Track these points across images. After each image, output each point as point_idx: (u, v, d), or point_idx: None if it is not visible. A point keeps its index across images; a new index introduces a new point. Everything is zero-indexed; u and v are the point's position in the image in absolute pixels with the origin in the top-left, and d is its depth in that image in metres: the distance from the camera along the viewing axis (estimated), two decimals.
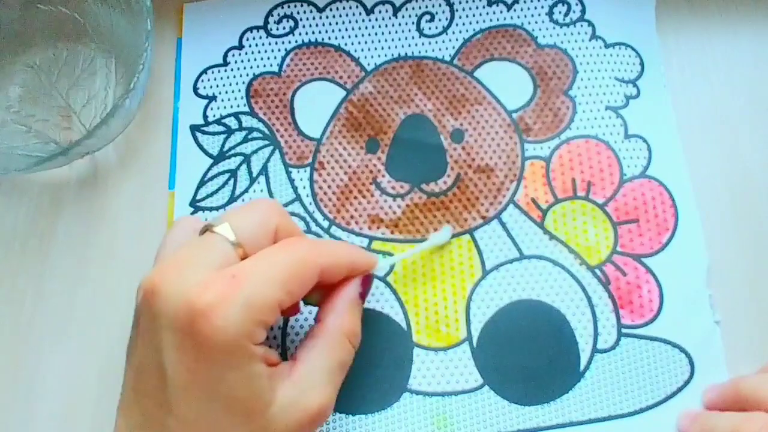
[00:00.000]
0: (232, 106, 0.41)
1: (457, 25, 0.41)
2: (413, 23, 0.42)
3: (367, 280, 0.32)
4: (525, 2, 0.41)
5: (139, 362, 0.28)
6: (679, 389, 0.34)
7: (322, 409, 0.29)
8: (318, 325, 0.31)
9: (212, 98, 0.41)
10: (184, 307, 0.26)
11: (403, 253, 0.36)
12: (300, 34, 0.42)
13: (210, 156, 0.40)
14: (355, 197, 0.38)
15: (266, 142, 0.40)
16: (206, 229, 0.29)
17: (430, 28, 0.41)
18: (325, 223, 0.38)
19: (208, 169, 0.40)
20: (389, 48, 0.41)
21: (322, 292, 0.31)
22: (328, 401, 0.29)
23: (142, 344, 0.28)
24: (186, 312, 0.26)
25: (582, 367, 0.35)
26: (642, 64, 0.40)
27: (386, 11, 0.42)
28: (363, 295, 0.32)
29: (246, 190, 0.39)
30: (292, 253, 0.29)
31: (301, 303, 0.33)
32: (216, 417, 0.27)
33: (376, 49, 0.41)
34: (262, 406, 0.27)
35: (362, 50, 0.41)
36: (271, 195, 0.39)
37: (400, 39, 0.41)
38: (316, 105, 0.40)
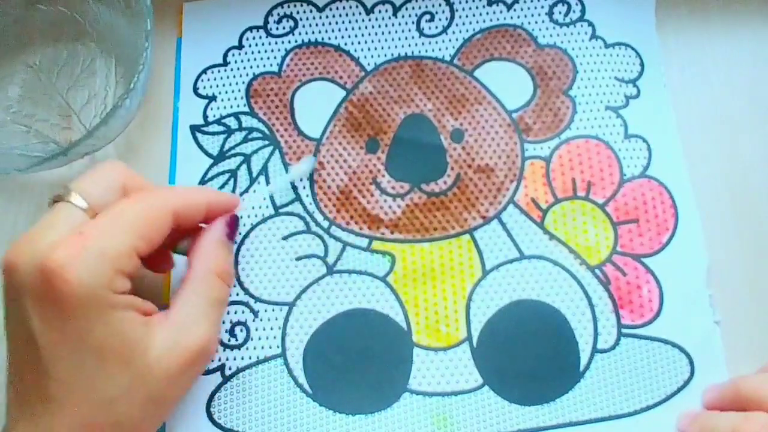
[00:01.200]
0: (232, 106, 0.41)
1: (457, 25, 0.41)
2: (413, 23, 0.42)
3: (232, 221, 0.33)
4: (525, 2, 0.41)
5: (13, 337, 0.29)
6: (679, 389, 0.34)
7: (203, 345, 0.30)
8: (188, 270, 0.32)
9: (212, 98, 0.41)
10: (37, 270, 0.26)
11: (271, 185, 0.38)
12: (300, 33, 0.42)
13: (210, 156, 0.40)
14: (355, 197, 0.38)
15: (266, 142, 0.40)
16: (55, 200, 0.30)
17: (430, 28, 0.41)
18: (325, 223, 0.38)
19: (208, 169, 0.40)
20: (389, 48, 0.41)
21: (190, 240, 0.33)
22: (208, 337, 0.30)
23: (11, 319, 0.28)
24: (40, 274, 0.26)
25: (582, 367, 0.35)
26: (642, 64, 0.40)
27: (386, 11, 0.42)
28: (230, 236, 0.33)
29: (246, 190, 0.39)
30: (139, 202, 0.30)
31: (174, 255, 0.34)
32: (93, 371, 0.27)
33: (376, 49, 0.41)
34: (140, 352, 0.28)
35: (362, 50, 0.41)
36: (271, 195, 0.39)
37: (400, 39, 0.41)
38: (316, 105, 0.40)
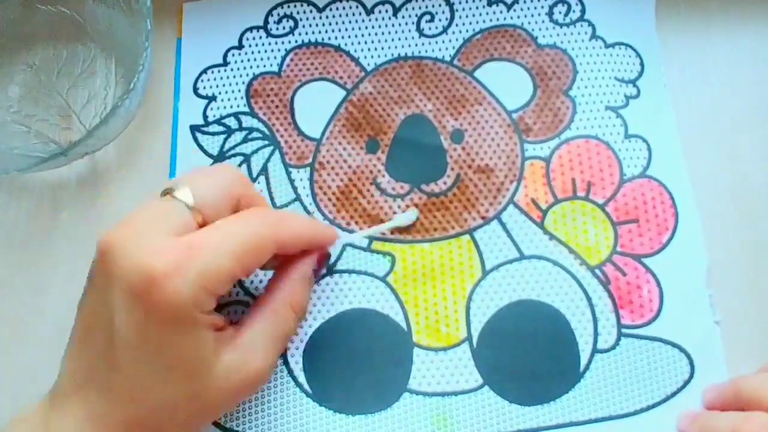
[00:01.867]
0: (232, 106, 0.41)
1: (457, 25, 0.41)
2: (413, 23, 0.42)
3: (322, 258, 0.33)
4: (525, 2, 0.41)
5: (90, 318, 0.29)
6: (679, 389, 0.34)
7: (260, 375, 0.30)
8: (266, 295, 0.32)
9: (212, 98, 0.41)
10: (138, 271, 0.26)
11: (365, 230, 0.37)
12: (300, 34, 0.42)
13: (210, 156, 0.40)
14: (355, 197, 0.38)
15: (266, 142, 0.40)
16: (167, 191, 0.29)
17: (430, 28, 0.41)
18: (325, 224, 0.38)
19: None
20: (389, 48, 0.41)
21: (279, 259, 0.32)
22: (268, 367, 0.31)
23: (95, 301, 0.28)
24: (140, 277, 0.26)
25: (582, 367, 0.35)
26: (642, 64, 0.40)
27: (386, 11, 0.42)
28: (317, 272, 0.33)
29: None
30: (249, 226, 0.29)
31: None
32: (158, 376, 0.28)
33: (376, 49, 0.41)
34: (205, 369, 0.28)
35: (362, 50, 0.41)
36: (271, 195, 0.39)
37: (400, 39, 0.41)
38: (316, 105, 0.40)
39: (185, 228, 0.28)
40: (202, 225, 0.29)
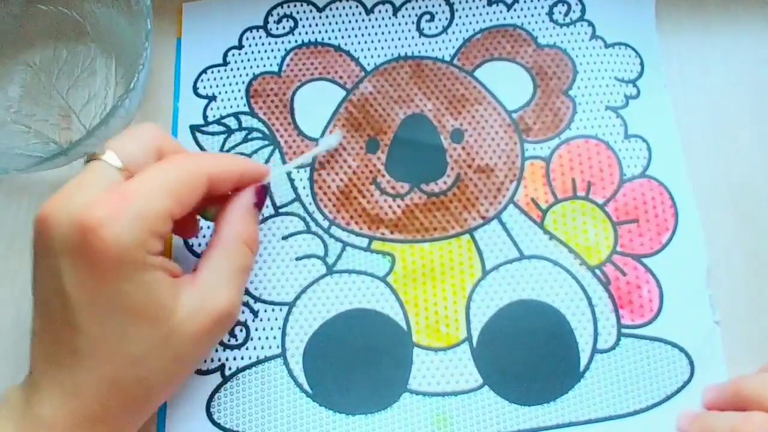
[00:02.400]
0: (231, 106, 0.41)
1: (456, 25, 0.41)
2: (413, 23, 0.42)
3: (261, 190, 0.34)
4: (525, 2, 0.41)
5: (42, 290, 0.29)
6: (679, 389, 0.34)
7: (227, 310, 0.30)
8: (215, 235, 0.32)
9: (212, 98, 0.41)
10: (74, 227, 0.27)
11: (296, 160, 0.38)
12: (300, 33, 0.42)
13: None
14: (355, 197, 0.38)
15: (266, 142, 0.40)
16: (91, 158, 0.30)
17: (430, 28, 0.41)
18: (325, 223, 0.38)
19: None
20: (389, 48, 0.41)
21: (218, 207, 0.33)
22: (232, 303, 0.31)
23: (42, 273, 0.29)
24: (77, 231, 0.27)
25: (582, 367, 0.35)
26: (642, 64, 0.40)
27: (386, 11, 0.42)
28: (258, 205, 0.33)
29: None
30: (176, 165, 0.30)
31: (201, 221, 0.35)
32: (123, 329, 0.28)
33: (376, 49, 0.41)
34: (167, 313, 0.28)
35: (362, 50, 0.41)
36: (270, 195, 0.39)
37: (400, 39, 0.41)
38: (316, 105, 0.40)
39: (114, 184, 0.29)
40: (130, 178, 0.29)
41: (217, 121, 0.41)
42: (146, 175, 0.29)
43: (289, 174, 0.39)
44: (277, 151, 0.40)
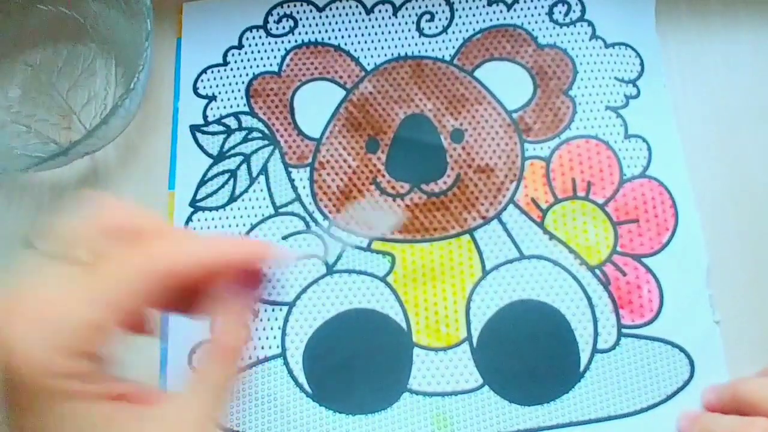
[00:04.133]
0: (231, 106, 0.41)
1: (456, 24, 0.41)
2: (413, 23, 0.42)
3: (255, 279, 0.27)
4: (525, 2, 0.41)
5: None
6: (679, 389, 0.34)
7: None
8: (196, 374, 0.25)
9: (212, 98, 0.41)
10: None
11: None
12: (300, 33, 0.42)
13: (210, 156, 0.40)
14: (355, 197, 0.38)
15: (266, 142, 0.40)
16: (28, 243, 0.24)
17: (430, 28, 0.41)
18: (325, 223, 0.38)
19: (208, 169, 0.40)
20: (389, 48, 0.41)
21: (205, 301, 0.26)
22: None
23: None
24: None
25: (582, 367, 0.35)
26: (642, 64, 0.40)
27: (386, 11, 0.42)
28: (255, 293, 0.27)
29: (246, 190, 0.39)
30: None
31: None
32: None
33: (376, 48, 0.41)
34: None
35: (362, 50, 0.41)
36: (271, 195, 0.39)
37: (400, 39, 0.41)
38: (316, 105, 0.40)
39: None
40: None
41: (217, 121, 0.41)
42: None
43: (289, 174, 0.39)
44: (277, 150, 0.40)
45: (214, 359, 0.25)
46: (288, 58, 0.41)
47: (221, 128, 0.40)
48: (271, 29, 0.42)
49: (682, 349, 0.35)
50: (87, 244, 0.23)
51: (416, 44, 0.41)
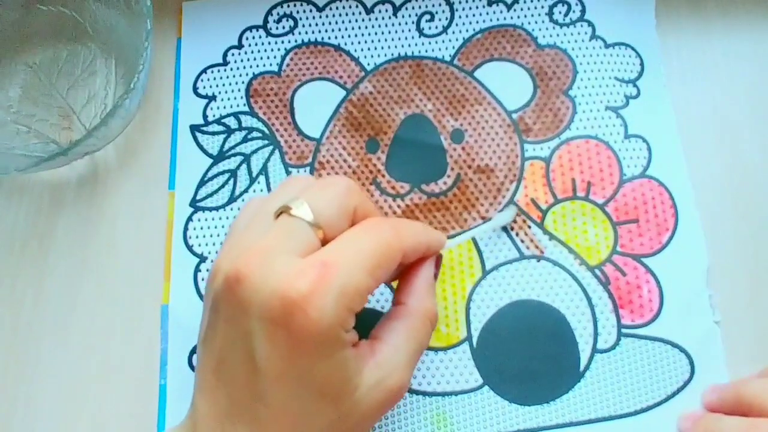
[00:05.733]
0: (231, 106, 0.41)
1: (457, 25, 0.41)
2: (413, 23, 0.42)
3: (438, 261, 0.32)
4: (525, 2, 0.41)
5: (222, 348, 0.27)
6: (679, 389, 0.34)
7: (401, 390, 0.29)
8: (400, 307, 0.30)
9: (212, 98, 0.41)
10: (276, 297, 0.25)
11: (466, 232, 0.35)
12: (300, 33, 0.42)
13: (210, 156, 0.40)
14: None
15: (266, 142, 0.40)
16: (282, 210, 0.28)
17: (430, 28, 0.41)
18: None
19: (208, 169, 0.40)
20: (389, 48, 0.41)
21: (399, 270, 0.31)
22: (406, 382, 0.29)
23: (226, 331, 0.27)
24: (279, 303, 0.25)
25: (582, 367, 0.35)
26: (642, 64, 0.40)
27: (386, 11, 0.42)
28: (435, 276, 0.32)
29: (246, 190, 0.39)
30: (377, 237, 0.28)
31: None
32: (306, 404, 0.27)
33: (376, 48, 0.41)
34: (351, 390, 0.27)
35: (362, 50, 0.41)
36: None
37: (400, 39, 0.41)
38: (316, 105, 0.40)
39: (310, 246, 0.27)
40: (324, 240, 0.28)
41: (217, 121, 0.41)
42: (346, 245, 0.27)
43: (289, 174, 0.39)
44: (277, 150, 0.40)
45: (421, 290, 0.31)
46: (288, 57, 0.41)
47: (221, 128, 0.40)
48: (271, 29, 0.42)
49: (682, 349, 0.35)
50: (338, 217, 0.28)
51: (416, 44, 0.41)
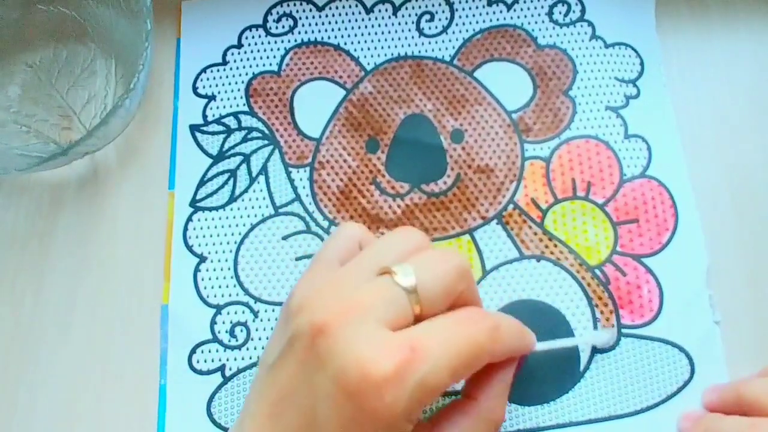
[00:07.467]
0: (231, 106, 0.41)
1: (456, 25, 0.41)
2: (413, 23, 0.42)
3: (521, 362, 0.31)
4: (525, 2, 0.41)
5: (287, 386, 0.26)
6: (679, 389, 0.34)
7: None
8: (470, 402, 0.29)
9: (211, 98, 0.41)
10: (356, 368, 0.24)
11: (557, 341, 0.33)
12: (299, 33, 0.42)
13: (209, 156, 0.40)
14: (355, 197, 0.38)
15: (266, 142, 0.40)
16: (386, 271, 0.27)
17: (429, 28, 0.41)
18: (325, 223, 0.38)
19: (208, 169, 0.40)
20: (389, 48, 0.41)
21: None
22: None
23: (297, 372, 0.26)
24: (358, 375, 0.24)
25: (582, 367, 0.35)
26: (642, 64, 0.40)
27: (386, 10, 0.42)
28: (514, 377, 0.30)
29: (246, 190, 0.39)
30: (471, 336, 0.26)
31: None
32: None
33: (375, 48, 0.41)
34: None
35: (362, 50, 0.41)
36: (270, 195, 0.39)
37: (399, 39, 0.41)
38: (316, 104, 0.40)
39: (403, 320, 0.26)
40: (417, 317, 0.27)
41: (217, 121, 0.41)
42: (438, 331, 0.26)
43: (289, 174, 0.39)
44: (276, 150, 0.40)
45: (497, 393, 0.29)
46: (288, 57, 0.41)
47: (221, 128, 0.40)
48: (270, 28, 0.42)
49: (682, 349, 0.35)
50: (441, 297, 0.27)
51: (416, 44, 0.41)
